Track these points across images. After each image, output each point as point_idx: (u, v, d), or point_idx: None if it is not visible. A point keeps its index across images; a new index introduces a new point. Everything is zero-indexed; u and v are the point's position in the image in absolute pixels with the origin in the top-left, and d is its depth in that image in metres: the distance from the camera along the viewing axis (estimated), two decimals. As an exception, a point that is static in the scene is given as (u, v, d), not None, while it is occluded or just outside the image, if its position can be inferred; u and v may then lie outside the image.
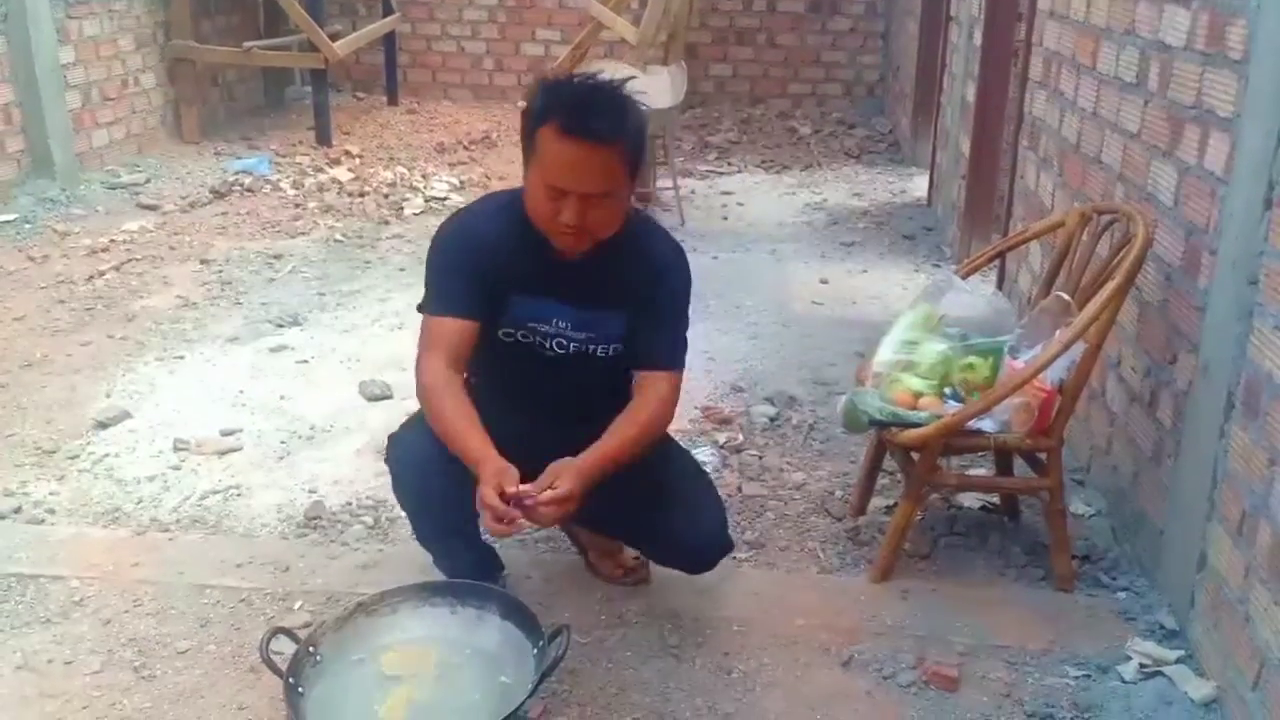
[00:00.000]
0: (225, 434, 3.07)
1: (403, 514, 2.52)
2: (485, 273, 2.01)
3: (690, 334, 2.13)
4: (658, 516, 2.13)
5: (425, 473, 2.04)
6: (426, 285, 2.06)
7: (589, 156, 1.86)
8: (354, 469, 2.91)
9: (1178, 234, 2.38)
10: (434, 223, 5.09)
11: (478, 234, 2.04)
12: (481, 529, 2.02)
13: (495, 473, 1.82)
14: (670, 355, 2.08)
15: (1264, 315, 1.95)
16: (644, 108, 1.98)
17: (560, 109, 1.87)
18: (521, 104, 1.97)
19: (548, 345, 2.07)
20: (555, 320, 2.06)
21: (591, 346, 2.07)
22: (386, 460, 2.20)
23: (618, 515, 2.14)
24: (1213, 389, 2.14)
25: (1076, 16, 3.20)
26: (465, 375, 2.07)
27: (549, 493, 1.82)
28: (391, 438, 2.18)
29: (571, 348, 2.07)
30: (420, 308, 2.07)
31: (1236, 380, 2.05)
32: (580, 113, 1.85)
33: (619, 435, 1.97)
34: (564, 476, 1.84)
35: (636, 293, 2.05)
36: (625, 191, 1.97)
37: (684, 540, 2.16)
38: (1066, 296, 2.43)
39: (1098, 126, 2.96)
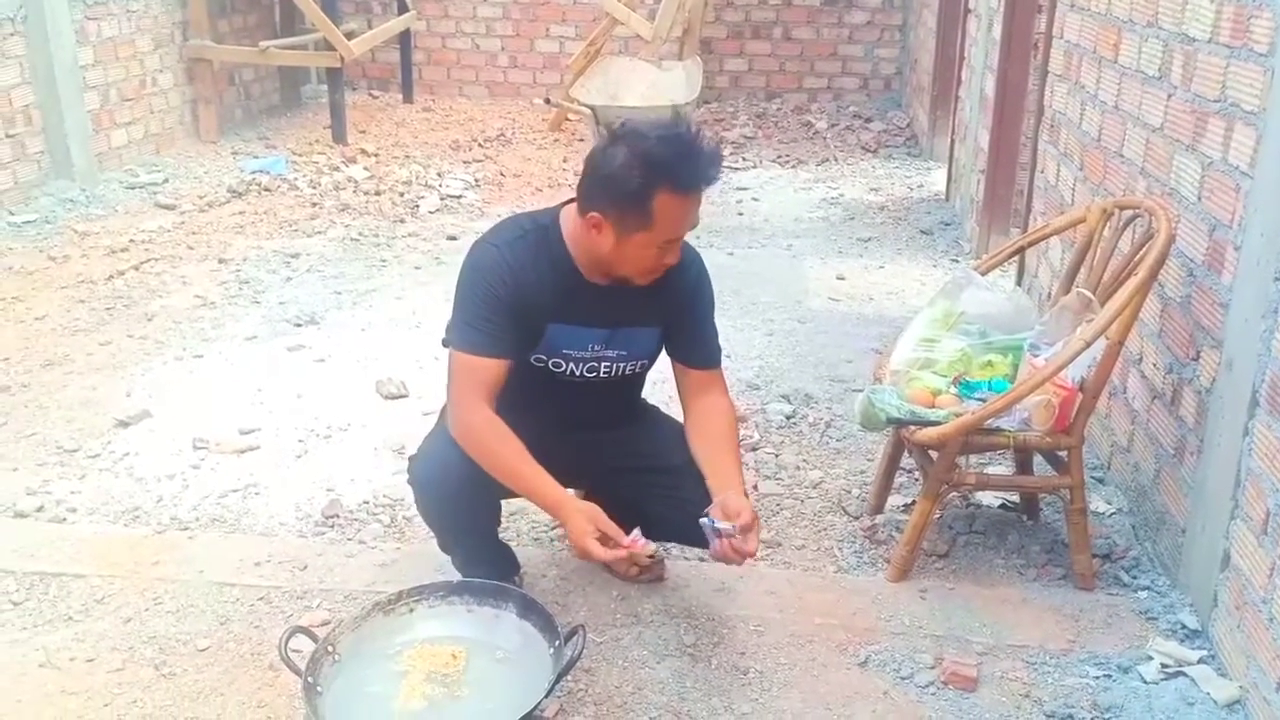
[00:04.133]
0: (244, 433, 3.08)
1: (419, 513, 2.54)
2: (524, 310, 2.02)
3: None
4: (681, 492, 2.12)
5: (447, 494, 2.07)
6: (465, 321, 2.02)
7: (698, 200, 1.95)
8: (371, 467, 2.91)
9: (1201, 229, 2.35)
10: (450, 221, 5.22)
11: (513, 267, 2.01)
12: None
13: (586, 518, 1.91)
14: (717, 354, 2.22)
15: (1289, 311, 1.93)
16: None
17: (673, 173, 1.88)
18: (588, 161, 1.99)
19: (578, 371, 2.10)
20: (591, 345, 2.09)
21: (621, 365, 2.12)
22: (409, 480, 2.19)
23: (643, 501, 2.14)
24: (1236, 386, 2.11)
25: (1098, 9, 3.17)
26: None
27: (754, 536, 1.93)
28: (413, 459, 2.18)
29: (602, 369, 2.11)
30: (452, 342, 2.04)
31: (1261, 377, 2.02)
32: (697, 169, 1.90)
33: (734, 451, 2.10)
34: (745, 510, 1.93)
35: (671, 306, 2.11)
36: None
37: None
38: (1088, 293, 2.41)
39: (1119, 120, 2.93)
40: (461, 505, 2.08)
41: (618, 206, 1.91)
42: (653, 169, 1.87)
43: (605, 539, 1.91)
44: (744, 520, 1.91)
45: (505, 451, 1.97)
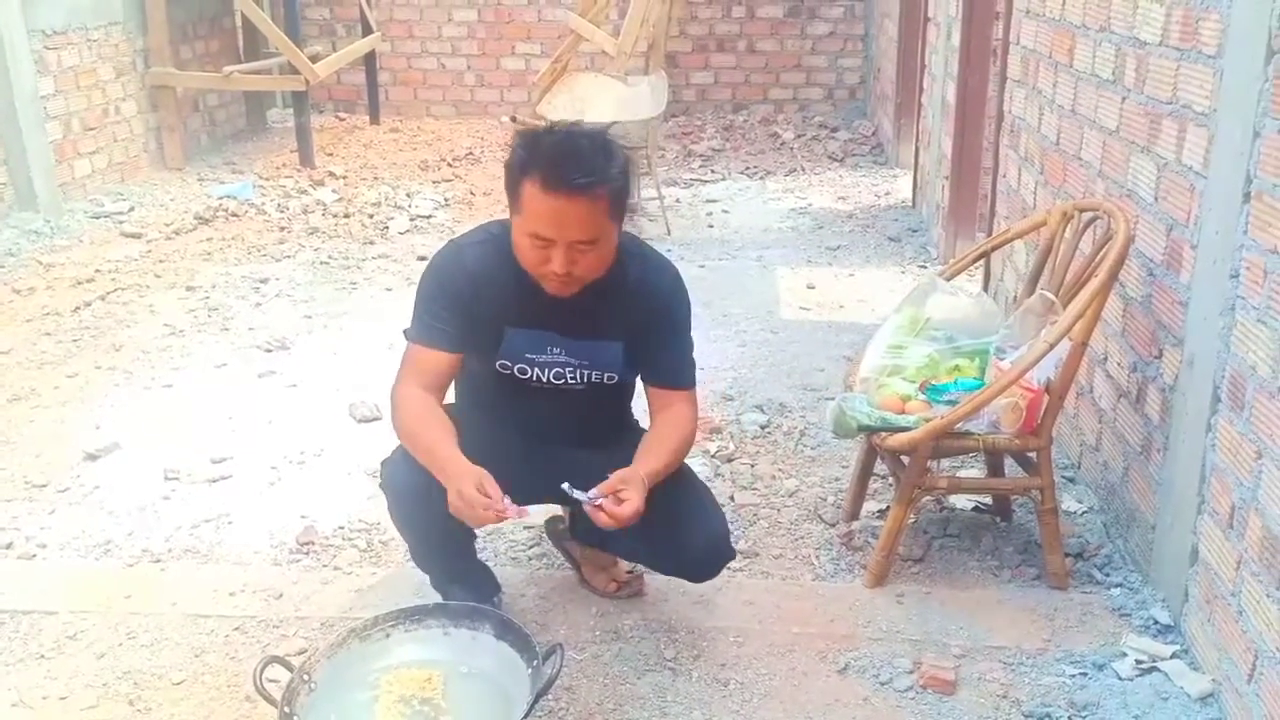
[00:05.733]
0: (215, 462, 3.06)
1: (395, 536, 2.53)
2: (477, 308, 2.02)
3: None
4: (662, 528, 2.11)
5: (421, 496, 2.02)
6: (415, 313, 2.08)
7: (572, 208, 1.86)
8: (345, 492, 2.90)
9: (1159, 229, 2.39)
10: (420, 241, 5.21)
11: (470, 269, 2.03)
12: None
13: (473, 474, 1.85)
14: (682, 373, 2.14)
15: (1246, 308, 1.96)
16: (625, 150, 1.98)
17: (541, 163, 1.86)
18: (504, 151, 2.00)
19: (544, 376, 2.09)
20: (550, 349, 2.07)
21: (586, 373, 2.10)
22: (381, 485, 2.19)
23: (621, 530, 2.13)
24: (1198, 383, 2.14)
25: (1052, 14, 3.22)
26: (455, 402, 2.11)
27: (627, 505, 1.87)
28: (384, 462, 2.17)
29: (569, 375, 2.09)
30: (407, 333, 2.09)
31: (1221, 374, 2.05)
32: (561, 167, 1.85)
33: (663, 451, 2.02)
34: (631, 488, 1.89)
35: (634, 323, 2.08)
36: (611, 234, 1.97)
37: (689, 549, 2.15)
38: (1051, 295, 2.44)
39: (1076, 124, 2.98)
40: (434, 508, 1.99)
41: (508, 186, 1.94)
42: (526, 155, 1.89)
43: (483, 491, 1.84)
44: (602, 488, 1.90)
45: (428, 424, 1.97)
